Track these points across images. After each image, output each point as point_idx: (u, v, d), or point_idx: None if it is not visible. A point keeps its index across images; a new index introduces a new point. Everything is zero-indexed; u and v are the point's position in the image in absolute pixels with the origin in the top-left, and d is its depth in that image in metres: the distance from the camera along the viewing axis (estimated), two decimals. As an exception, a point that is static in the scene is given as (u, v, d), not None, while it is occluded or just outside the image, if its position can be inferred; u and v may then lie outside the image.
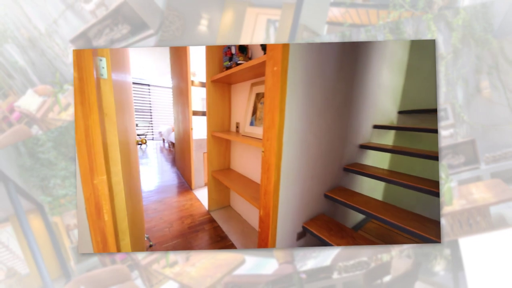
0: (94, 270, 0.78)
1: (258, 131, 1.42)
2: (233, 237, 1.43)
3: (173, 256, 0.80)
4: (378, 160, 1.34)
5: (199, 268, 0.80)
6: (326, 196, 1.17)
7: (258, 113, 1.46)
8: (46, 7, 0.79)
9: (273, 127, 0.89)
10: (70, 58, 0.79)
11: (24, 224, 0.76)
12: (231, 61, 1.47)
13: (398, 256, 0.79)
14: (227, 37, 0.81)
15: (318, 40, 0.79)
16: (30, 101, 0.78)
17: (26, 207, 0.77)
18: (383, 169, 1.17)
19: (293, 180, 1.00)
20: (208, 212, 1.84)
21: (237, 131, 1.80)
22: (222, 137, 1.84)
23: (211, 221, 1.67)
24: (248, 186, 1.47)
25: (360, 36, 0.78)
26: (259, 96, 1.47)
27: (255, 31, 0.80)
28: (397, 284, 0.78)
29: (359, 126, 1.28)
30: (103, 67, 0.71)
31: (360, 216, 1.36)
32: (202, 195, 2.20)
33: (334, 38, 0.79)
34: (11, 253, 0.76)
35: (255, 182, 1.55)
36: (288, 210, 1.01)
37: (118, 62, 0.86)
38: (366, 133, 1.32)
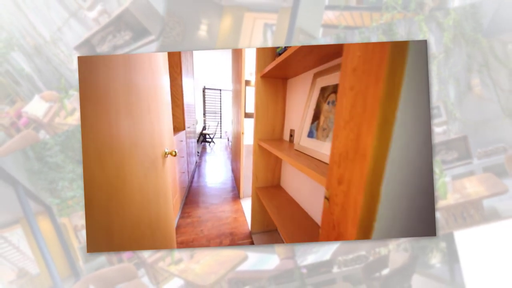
0: (102, 269, 0.81)
1: (319, 147, 0.90)
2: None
3: (178, 253, 0.83)
4: None
5: (204, 265, 0.82)
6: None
7: (322, 119, 0.94)
8: (50, 15, 0.81)
9: (359, 153, 0.40)
10: (74, 65, 0.81)
11: (34, 226, 0.79)
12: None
13: (396, 250, 0.81)
14: (226, 41, 0.83)
15: (314, 42, 0.82)
16: (37, 107, 0.80)
17: (35, 210, 0.79)
18: None
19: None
20: (250, 234, 1.52)
21: (291, 141, 1.36)
22: (267, 149, 1.34)
23: (251, 248, 1.43)
24: (295, 221, 1.04)
25: (355, 38, 0.81)
26: (326, 92, 0.97)
27: (253, 35, 0.83)
28: (395, 277, 0.81)
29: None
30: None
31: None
32: (248, 207, 1.88)
33: (330, 40, 0.81)
34: (21, 254, 0.79)
35: (307, 216, 1.10)
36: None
37: (136, 64, 0.88)
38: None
